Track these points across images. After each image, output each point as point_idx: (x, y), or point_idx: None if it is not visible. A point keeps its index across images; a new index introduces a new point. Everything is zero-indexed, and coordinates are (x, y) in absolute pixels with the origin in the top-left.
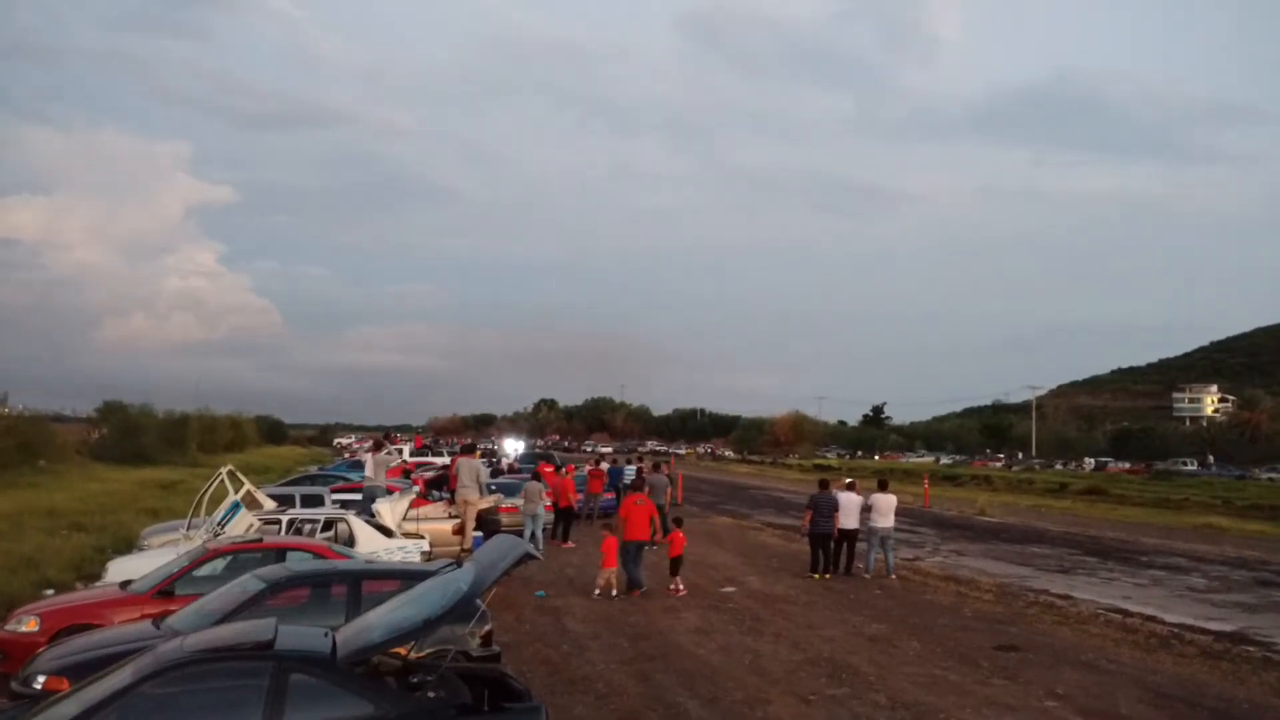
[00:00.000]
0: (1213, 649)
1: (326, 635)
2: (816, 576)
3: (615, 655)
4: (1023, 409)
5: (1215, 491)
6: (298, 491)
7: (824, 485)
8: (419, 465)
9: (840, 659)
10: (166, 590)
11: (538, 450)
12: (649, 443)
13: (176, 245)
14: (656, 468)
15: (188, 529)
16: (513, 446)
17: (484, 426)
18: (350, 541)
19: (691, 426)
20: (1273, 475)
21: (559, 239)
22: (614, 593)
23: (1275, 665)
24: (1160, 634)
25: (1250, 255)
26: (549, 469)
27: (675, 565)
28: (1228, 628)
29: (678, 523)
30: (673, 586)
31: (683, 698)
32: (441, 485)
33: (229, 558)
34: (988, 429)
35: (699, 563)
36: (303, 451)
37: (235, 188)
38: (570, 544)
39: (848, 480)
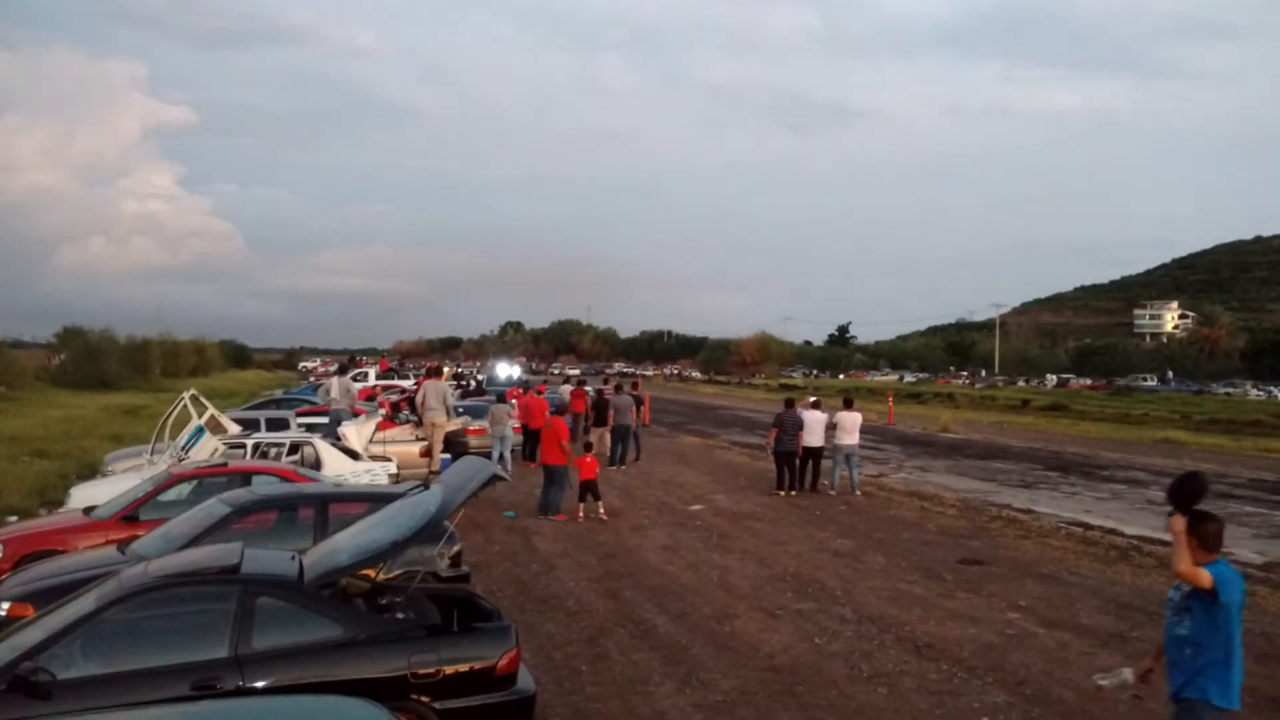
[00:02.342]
0: (1170, 560)
1: (293, 559)
2: (782, 494)
3: (584, 574)
4: (986, 327)
5: (1174, 406)
6: (263, 415)
7: (789, 404)
8: (385, 389)
9: (806, 574)
10: (131, 516)
11: (537, 374)
12: (616, 364)
13: (133, 167)
14: (620, 389)
15: (151, 454)
16: (506, 371)
17: (450, 350)
18: (316, 465)
19: (659, 348)
20: (1230, 390)
21: (523, 159)
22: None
23: None
24: (1120, 546)
25: (1213, 171)
26: (518, 390)
27: (585, 490)
28: None
29: (587, 447)
30: (581, 513)
31: (652, 614)
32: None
33: (194, 482)
34: (951, 347)
35: (668, 482)
36: (268, 376)
37: (193, 108)
38: (538, 464)
39: (813, 399)
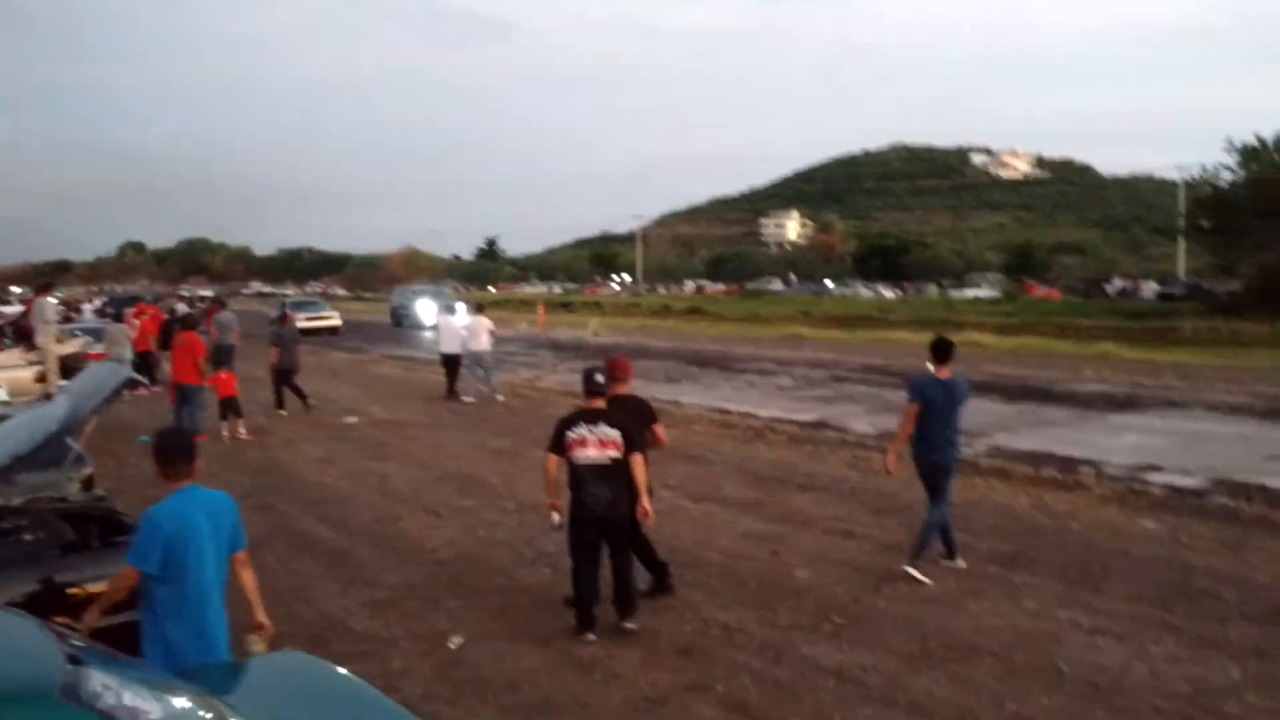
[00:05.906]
0: (799, 436)
1: None
2: (285, 413)
3: (233, 491)
4: (628, 239)
5: (797, 306)
6: None
7: (283, 319)
8: None
9: (467, 473)
10: None
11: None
12: (253, 284)
13: None
14: (222, 306)
15: None
16: (424, 304)
17: (61, 274)
18: None
19: (299, 266)
20: (844, 290)
21: (141, 66)
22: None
23: (849, 445)
24: (755, 427)
25: (828, 90)
26: (134, 312)
27: (225, 407)
28: (810, 418)
29: (222, 363)
30: (227, 432)
31: (310, 524)
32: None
33: None
34: (597, 258)
35: (318, 398)
36: None
37: None
38: (158, 389)
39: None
